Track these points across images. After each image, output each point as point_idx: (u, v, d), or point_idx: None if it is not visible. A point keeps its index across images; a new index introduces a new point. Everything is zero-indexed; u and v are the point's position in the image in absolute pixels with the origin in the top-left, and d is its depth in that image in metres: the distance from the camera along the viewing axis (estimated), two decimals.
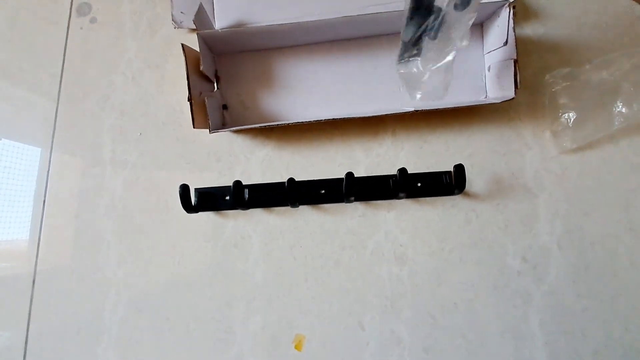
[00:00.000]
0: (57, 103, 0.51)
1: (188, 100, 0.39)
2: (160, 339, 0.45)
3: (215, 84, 0.48)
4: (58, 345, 0.46)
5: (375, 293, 0.44)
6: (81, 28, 0.53)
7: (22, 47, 0.53)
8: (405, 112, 0.43)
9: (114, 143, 0.49)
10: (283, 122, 0.43)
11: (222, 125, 0.47)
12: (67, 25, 0.53)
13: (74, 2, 0.54)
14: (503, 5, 0.42)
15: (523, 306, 0.43)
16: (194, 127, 0.40)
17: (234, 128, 0.44)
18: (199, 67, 0.43)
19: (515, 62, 0.41)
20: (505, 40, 0.41)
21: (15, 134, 0.51)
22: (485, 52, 0.47)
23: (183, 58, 0.41)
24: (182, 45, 0.41)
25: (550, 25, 0.47)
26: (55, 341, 0.46)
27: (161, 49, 0.52)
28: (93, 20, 0.53)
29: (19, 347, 0.46)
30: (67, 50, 0.52)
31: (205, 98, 0.43)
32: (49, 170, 0.49)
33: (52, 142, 0.50)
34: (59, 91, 0.51)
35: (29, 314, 0.46)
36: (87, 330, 0.45)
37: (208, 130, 0.43)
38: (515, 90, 0.41)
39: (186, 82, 0.41)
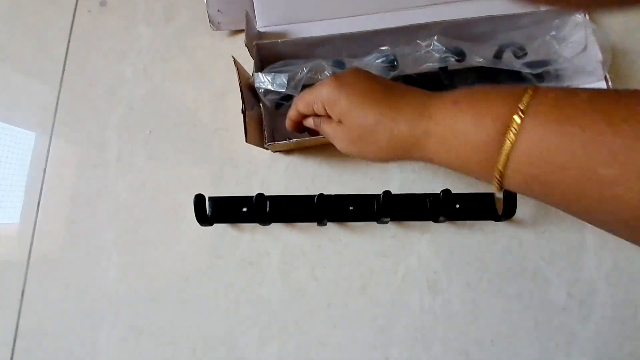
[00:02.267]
0: (59, 93, 0.46)
1: (242, 113, 0.35)
2: None
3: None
4: None
5: (405, 324, 0.40)
6: (89, 11, 0.48)
7: (23, 29, 0.48)
8: None
9: (120, 141, 0.45)
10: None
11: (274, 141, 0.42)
12: (74, 7, 0.48)
13: None
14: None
15: (566, 346, 0.39)
16: (246, 142, 0.35)
17: (291, 141, 0.38)
18: (247, 80, 0.39)
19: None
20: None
21: (9, 126, 0.46)
22: None
23: (235, 71, 0.37)
24: (234, 58, 0.37)
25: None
26: None
27: (177, 39, 0.47)
28: (103, 3, 0.48)
29: None
30: (72, 35, 0.47)
31: (262, 112, 0.39)
32: (45, 169, 0.44)
33: (51, 137, 0.45)
34: (61, 80, 0.46)
35: (16, 331, 0.41)
36: (80, 352, 0.40)
37: (262, 146, 0.39)
38: None
39: (237, 93, 0.37)
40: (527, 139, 0.21)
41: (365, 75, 0.30)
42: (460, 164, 0.26)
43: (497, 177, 0.23)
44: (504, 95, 0.23)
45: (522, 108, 0.21)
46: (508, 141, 0.22)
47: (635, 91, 0.20)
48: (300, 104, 0.33)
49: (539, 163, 0.21)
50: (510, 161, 0.22)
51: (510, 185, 0.23)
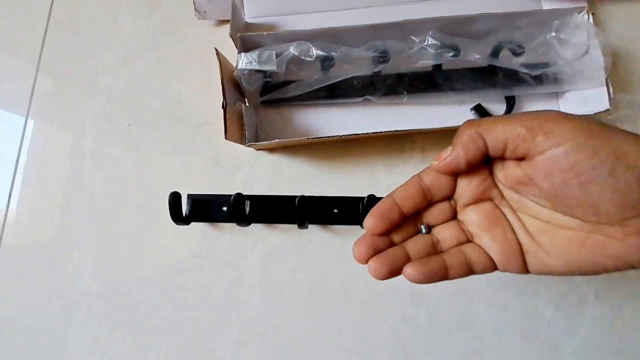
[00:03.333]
0: (34, 80, 0.44)
1: (222, 108, 0.33)
2: None
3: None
4: None
5: (387, 333, 0.39)
6: None
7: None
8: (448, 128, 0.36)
9: (97, 132, 0.43)
10: (329, 136, 0.36)
11: (257, 139, 0.41)
12: None
13: None
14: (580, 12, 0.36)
15: None
16: (225, 138, 0.33)
17: (273, 142, 0.36)
18: (230, 73, 0.37)
19: None
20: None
21: None
22: None
23: (217, 63, 0.35)
24: (216, 50, 0.35)
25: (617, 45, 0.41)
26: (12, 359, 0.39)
27: (161, 28, 0.45)
28: None
29: None
30: (51, 17, 0.45)
31: (243, 108, 0.37)
32: (18, 158, 0.42)
33: (25, 124, 0.43)
34: (38, 66, 0.44)
35: None
36: (50, 349, 0.39)
37: (243, 144, 0.37)
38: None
39: (217, 85, 0.35)
40: None
41: None
42: None
43: None
44: None
45: None
46: None
47: None
48: (474, 139, 0.23)
49: None
50: None
51: None
